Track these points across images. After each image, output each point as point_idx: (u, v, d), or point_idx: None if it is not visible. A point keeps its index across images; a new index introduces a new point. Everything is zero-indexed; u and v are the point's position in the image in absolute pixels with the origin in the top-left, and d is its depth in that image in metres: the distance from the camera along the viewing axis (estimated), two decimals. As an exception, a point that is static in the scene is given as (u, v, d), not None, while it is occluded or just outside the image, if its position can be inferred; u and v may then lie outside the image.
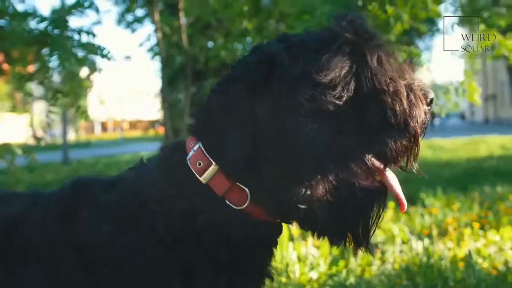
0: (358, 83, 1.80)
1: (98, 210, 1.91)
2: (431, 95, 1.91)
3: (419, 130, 1.85)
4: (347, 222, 1.86)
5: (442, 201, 8.56)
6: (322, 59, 1.78)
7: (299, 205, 1.77)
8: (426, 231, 6.47)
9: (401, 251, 5.75)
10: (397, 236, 6.18)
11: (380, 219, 1.92)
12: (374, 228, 1.92)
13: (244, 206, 1.87)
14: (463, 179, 11.73)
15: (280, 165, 1.79)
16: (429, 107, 1.90)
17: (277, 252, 5.18)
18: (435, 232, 6.20)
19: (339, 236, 1.91)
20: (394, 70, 1.87)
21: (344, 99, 1.77)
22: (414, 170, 1.97)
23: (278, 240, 2.07)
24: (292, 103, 1.76)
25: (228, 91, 1.86)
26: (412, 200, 8.91)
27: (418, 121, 1.84)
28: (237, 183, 1.87)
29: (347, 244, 1.92)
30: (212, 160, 1.88)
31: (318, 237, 1.94)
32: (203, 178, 1.88)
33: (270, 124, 1.78)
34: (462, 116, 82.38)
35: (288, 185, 1.77)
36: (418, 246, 5.75)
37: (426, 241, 5.94)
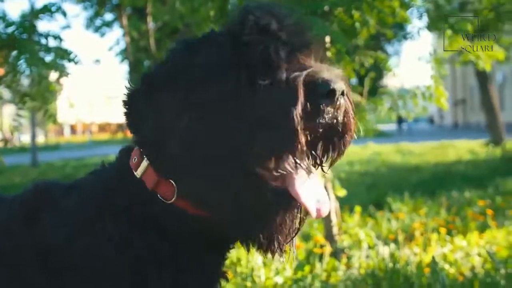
0: (237, 80, 1.74)
1: (58, 214, 1.95)
2: (332, 85, 1.68)
3: (296, 124, 1.64)
4: (256, 226, 1.79)
5: (409, 206, 8.62)
6: (200, 58, 1.80)
7: (208, 205, 1.82)
8: (393, 236, 6.51)
9: (367, 256, 5.77)
10: (363, 241, 6.18)
11: (297, 225, 1.84)
12: (284, 235, 1.82)
13: (172, 200, 1.89)
14: (431, 183, 11.83)
15: (180, 165, 1.83)
16: (322, 100, 1.69)
17: (242, 257, 5.18)
18: (401, 237, 6.23)
19: (249, 240, 1.84)
20: (284, 61, 1.75)
21: (222, 96, 1.74)
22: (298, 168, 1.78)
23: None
24: (175, 104, 1.80)
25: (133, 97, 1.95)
26: (379, 204, 8.97)
27: (293, 114, 1.63)
28: (165, 178, 1.90)
29: (261, 248, 1.83)
30: (143, 156, 1.94)
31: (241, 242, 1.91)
32: (137, 173, 1.94)
33: (161, 126, 1.83)
34: (431, 121, 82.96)
35: (195, 183, 1.82)
36: (384, 251, 5.77)
37: (393, 246, 5.96)
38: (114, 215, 1.90)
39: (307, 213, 1.79)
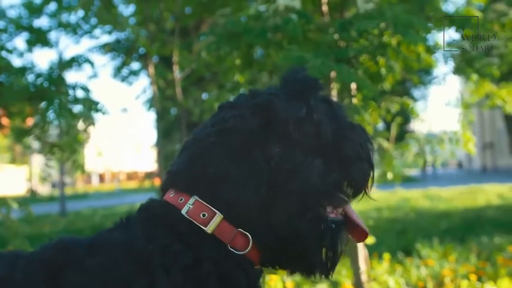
0: (335, 123, 2.05)
1: (83, 274, 1.82)
2: None
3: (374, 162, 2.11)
4: (321, 252, 1.99)
5: (438, 252, 8.53)
6: (310, 103, 2.00)
7: (302, 237, 1.92)
8: (422, 284, 6.43)
9: (397, 304, 5.71)
10: (393, 289, 6.13)
11: (344, 249, 2.05)
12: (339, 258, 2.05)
13: (247, 250, 1.89)
14: (460, 229, 11.72)
15: (293, 200, 1.91)
16: None
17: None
18: (430, 284, 6.16)
19: (318, 267, 2.01)
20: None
21: (330, 136, 2.00)
22: (370, 197, 2.13)
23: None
24: (298, 142, 1.94)
25: (231, 142, 1.93)
26: (408, 251, 8.88)
27: (373, 153, 2.11)
28: (240, 229, 1.90)
29: (317, 273, 2.02)
30: (215, 210, 1.89)
31: (294, 272, 2.07)
32: (208, 229, 1.88)
33: (283, 162, 1.91)
34: (459, 165, 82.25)
35: (295, 218, 1.91)
36: (414, 298, 5.71)
37: (422, 293, 5.90)
38: (168, 273, 1.79)
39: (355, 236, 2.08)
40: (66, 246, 1.94)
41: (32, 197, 49.82)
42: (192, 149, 2.02)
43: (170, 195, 1.99)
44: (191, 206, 1.91)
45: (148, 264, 1.81)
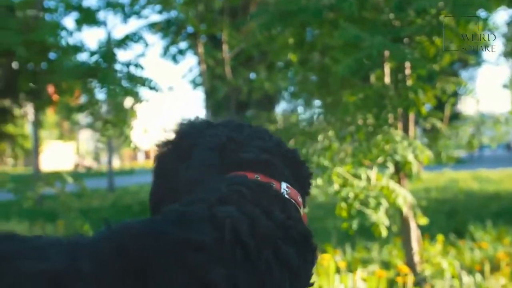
0: None
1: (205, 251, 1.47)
2: None
3: None
4: None
5: (492, 235, 8.40)
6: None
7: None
8: (478, 266, 6.32)
9: (451, 286, 5.64)
10: (446, 271, 6.03)
11: None
12: None
13: None
14: (513, 211, 11.52)
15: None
16: None
17: (324, 284, 5.12)
18: (488, 267, 6.04)
19: None
20: None
21: None
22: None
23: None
24: None
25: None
26: (460, 233, 8.77)
27: None
28: None
29: None
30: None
31: None
32: (303, 210, 2.07)
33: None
34: (508, 147, 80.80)
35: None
36: (469, 281, 5.62)
37: (478, 276, 5.80)
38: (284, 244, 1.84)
39: None
40: (142, 230, 1.49)
41: (87, 172, 50.76)
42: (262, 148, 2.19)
43: (257, 177, 2.05)
44: (288, 190, 2.05)
45: (272, 237, 1.80)
